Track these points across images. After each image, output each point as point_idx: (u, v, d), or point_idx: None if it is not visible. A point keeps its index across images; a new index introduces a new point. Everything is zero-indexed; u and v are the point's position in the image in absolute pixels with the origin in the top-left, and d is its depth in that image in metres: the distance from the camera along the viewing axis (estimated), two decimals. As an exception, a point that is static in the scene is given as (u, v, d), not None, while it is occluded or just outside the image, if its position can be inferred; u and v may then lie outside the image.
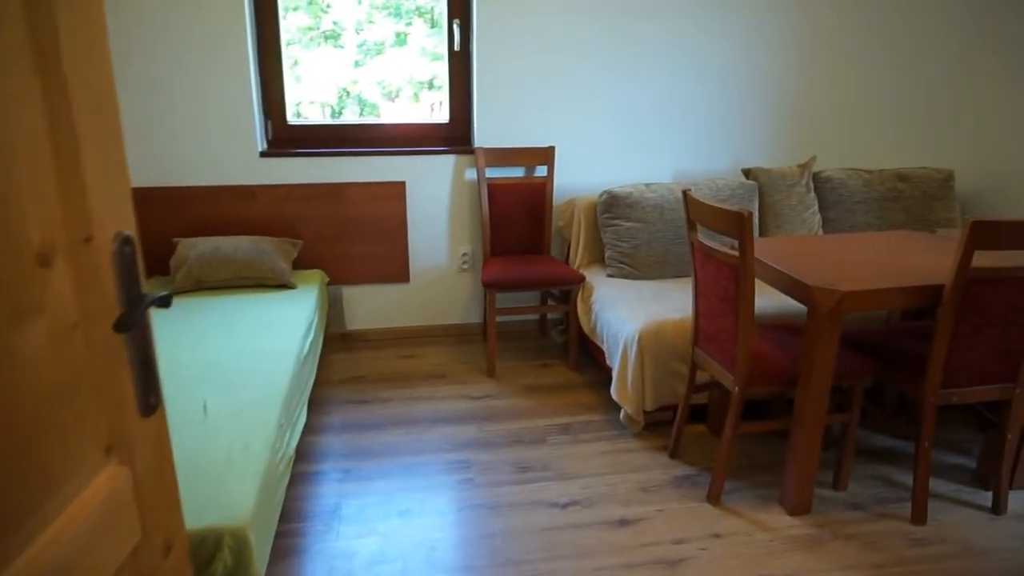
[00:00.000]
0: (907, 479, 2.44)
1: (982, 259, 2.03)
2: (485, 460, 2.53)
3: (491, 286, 3.05)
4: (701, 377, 2.61)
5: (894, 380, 2.23)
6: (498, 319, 3.42)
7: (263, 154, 3.23)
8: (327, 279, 3.37)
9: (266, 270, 3.01)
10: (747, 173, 3.35)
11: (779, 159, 3.63)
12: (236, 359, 2.30)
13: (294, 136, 3.37)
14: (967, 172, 3.72)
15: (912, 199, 3.38)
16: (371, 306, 3.54)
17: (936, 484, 2.41)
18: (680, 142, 3.53)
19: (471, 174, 3.43)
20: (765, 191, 3.30)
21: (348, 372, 3.23)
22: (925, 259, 2.30)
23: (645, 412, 2.68)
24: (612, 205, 3.13)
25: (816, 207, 3.36)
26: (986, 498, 2.35)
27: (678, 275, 3.16)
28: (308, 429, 2.72)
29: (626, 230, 3.12)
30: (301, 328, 2.62)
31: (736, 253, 2.06)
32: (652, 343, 2.61)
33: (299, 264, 3.38)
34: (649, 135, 3.49)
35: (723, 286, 2.16)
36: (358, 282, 3.47)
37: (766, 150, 3.61)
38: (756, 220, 3.26)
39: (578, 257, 3.35)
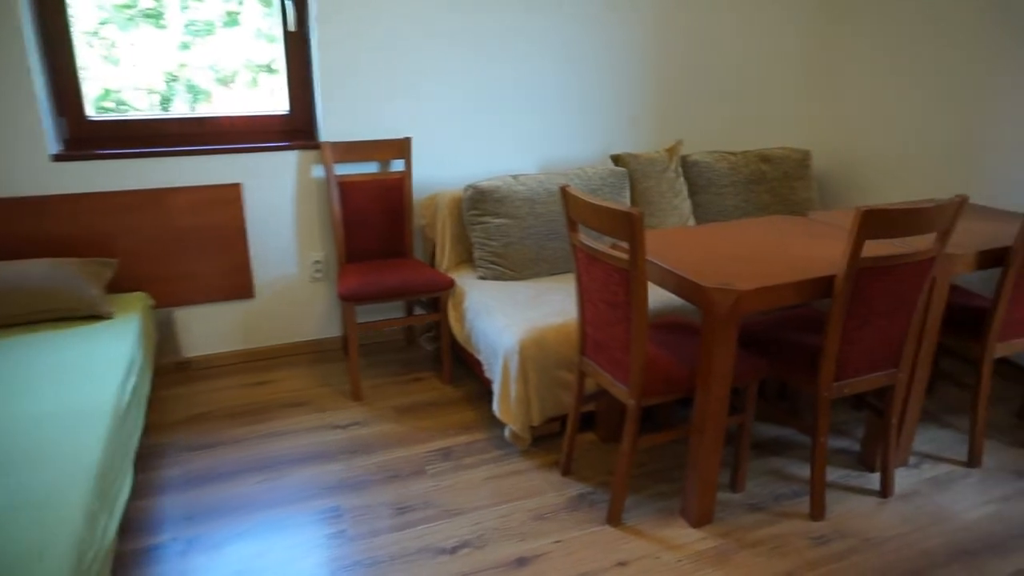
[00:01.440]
0: (799, 471, 2.40)
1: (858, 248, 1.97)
2: (358, 505, 2.20)
3: (350, 299, 2.69)
4: (589, 386, 2.43)
5: (787, 377, 2.15)
6: (360, 333, 3.06)
7: (56, 157, 2.66)
8: (152, 302, 2.86)
9: (70, 299, 2.47)
10: (616, 160, 3.21)
11: (644, 143, 3.53)
12: (26, 427, 1.81)
13: (99, 134, 2.81)
14: (823, 151, 3.80)
15: (775, 180, 3.38)
16: (211, 328, 3.06)
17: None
18: (545, 130, 3.32)
19: (318, 171, 3.04)
20: (636, 178, 3.17)
21: (188, 410, 2.76)
22: (809, 247, 2.23)
23: (531, 427, 2.46)
24: (479, 201, 2.87)
25: (686, 192, 3.28)
26: (872, 481, 2.35)
27: (554, 273, 2.96)
28: (137, 492, 2.27)
29: (496, 227, 2.87)
30: (120, 369, 2.14)
31: (624, 255, 1.87)
32: (535, 354, 2.39)
33: (116, 287, 2.84)
34: (512, 123, 3.26)
35: (612, 291, 1.97)
36: (192, 302, 2.99)
37: (632, 135, 3.49)
38: (628, 209, 3.13)
39: (445, 259, 3.07)
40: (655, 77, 3.44)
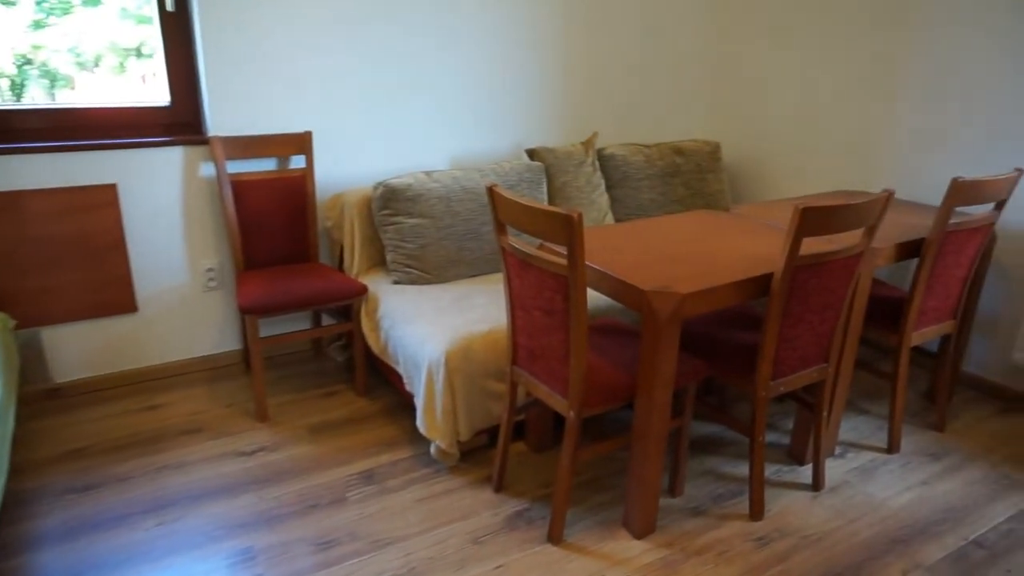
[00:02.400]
0: (734, 469, 2.37)
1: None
2: (273, 543, 1.98)
3: (251, 311, 2.43)
4: (520, 395, 2.30)
5: (725, 377, 2.10)
6: (264, 347, 2.78)
7: None
8: (13, 323, 2.48)
9: (-92, 327, 2.09)
10: (532, 154, 3.08)
11: (557, 136, 3.42)
12: None
13: (-67, 130, 2.39)
14: (730, 143, 3.83)
15: (689, 173, 3.37)
16: (88, 348, 2.70)
17: (758, 468, 2.37)
18: (456, 123, 3.15)
19: (208, 170, 2.73)
20: (552, 173, 3.05)
21: (63, 444, 2.41)
22: (740, 244, 2.19)
23: (459, 442, 2.30)
24: (390, 200, 2.67)
25: (603, 187, 3.21)
26: (802, 474, 2.35)
27: (475, 274, 2.81)
28: (3, 550, 1.94)
29: (410, 228, 2.68)
30: (-26, 412, 1.82)
31: (561, 259, 1.74)
32: (461, 364, 2.23)
33: (-34, 308, 2.45)
34: (422, 116, 3.06)
35: (548, 298, 1.84)
36: (63, 320, 2.62)
37: (546, 127, 3.38)
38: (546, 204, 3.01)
39: (355, 263, 2.84)
40: (566, 69, 3.34)
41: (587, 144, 3.19)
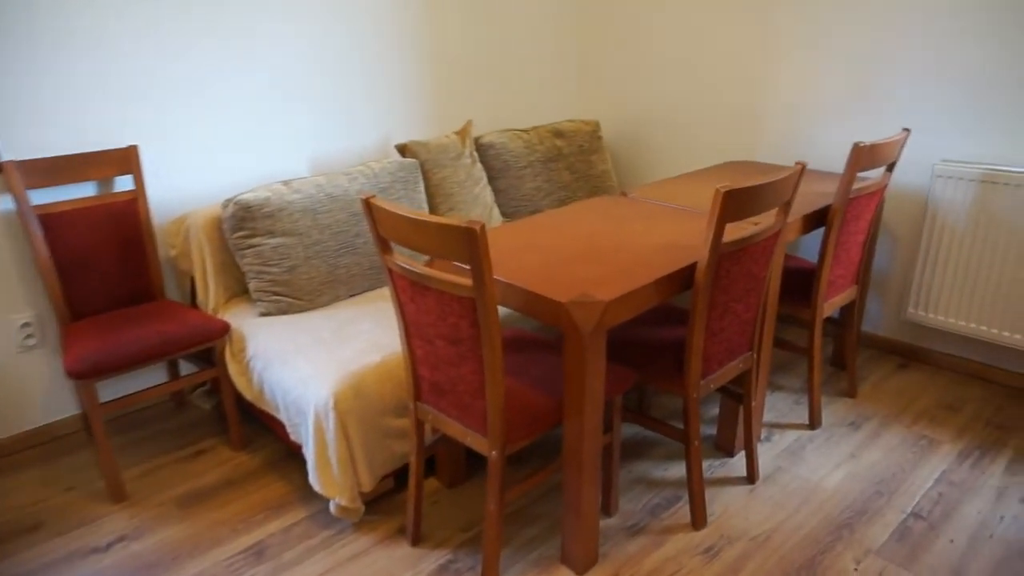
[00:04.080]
0: (665, 472, 2.21)
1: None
2: (145, 667, 1.59)
3: (82, 376, 1.98)
4: (428, 430, 2.01)
5: (654, 382, 1.91)
6: (107, 412, 2.29)
7: None
8: None
9: None
10: (403, 150, 2.76)
11: (428, 128, 3.11)
12: None
13: None
14: (610, 121, 3.67)
15: (572, 156, 3.17)
16: None
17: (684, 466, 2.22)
18: (314, 122, 2.77)
19: (5, 202, 2.21)
20: (429, 169, 2.75)
21: None
22: (649, 233, 2.00)
23: (362, 493, 1.99)
24: (245, 218, 2.27)
25: (485, 179, 2.94)
26: (734, 466, 2.23)
27: (356, 293, 2.47)
28: None
29: (272, 249, 2.29)
30: None
31: (463, 279, 1.46)
32: (354, 405, 1.91)
33: None
34: (273, 118, 2.66)
35: (452, 325, 1.56)
36: None
37: (414, 119, 3.06)
38: (426, 205, 2.72)
39: (210, 296, 2.42)
40: (429, 54, 3.03)
41: (462, 134, 2.91)
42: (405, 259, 1.60)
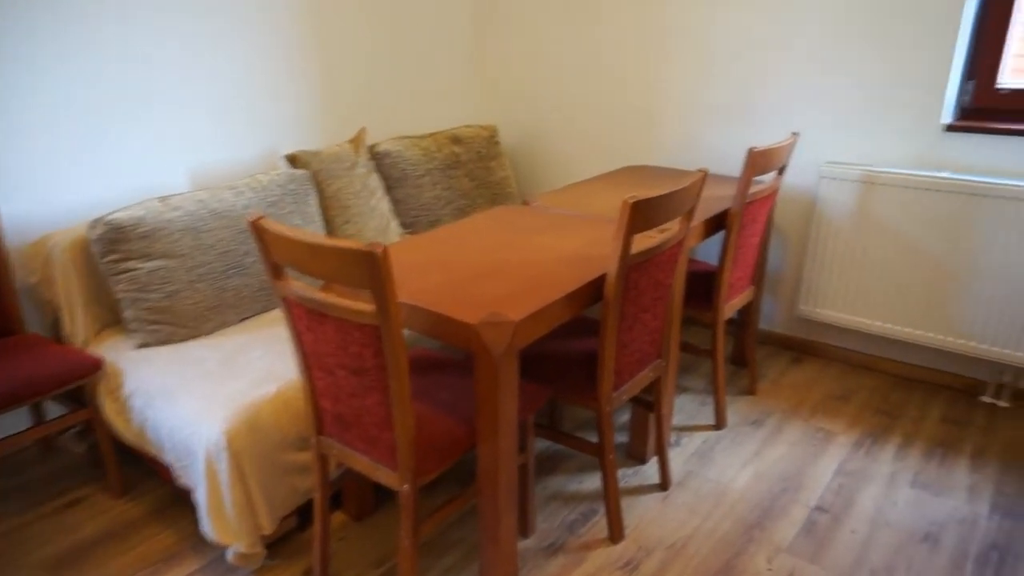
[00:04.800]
0: (580, 486, 2.18)
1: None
2: None
3: (-74, 429, 1.72)
4: (332, 463, 1.88)
5: (567, 398, 1.87)
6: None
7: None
8: None
9: None
10: (293, 160, 2.60)
11: (318, 136, 2.95)
12: None
13: None
14: (507, 126, 3.62)
15: (471, 162, 3.10)
16: None
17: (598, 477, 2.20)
18: (191, 130, 2.55)
19: None
20: (322, 180, 2.61)
21: None
22: (557, 246, 1.96)
23: (263, 536, 1.84)
24: (117, 240, 2.06)
25: (382, 189, 2.82)
26: (647, 474, 2.23)
27: (246, 317, 2.29)
28: None
29: (149, 274, 2.09)
30: None
31: (365, 305, 1.36)
32: (249, 443, 1.76)
33: None
34: (146, 125, 2.43)
35: (354, 354, 1.45)
36: None
37: (304, 127, 2.89)
38: (320, 218, 2.57)
39: (79, 328, 2.18)
40: (318, 57, 2.87)
41: (356, 142, 2.77)
42: (301, 285, 1.48)
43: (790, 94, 2.71)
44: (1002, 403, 2.57)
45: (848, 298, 2.70)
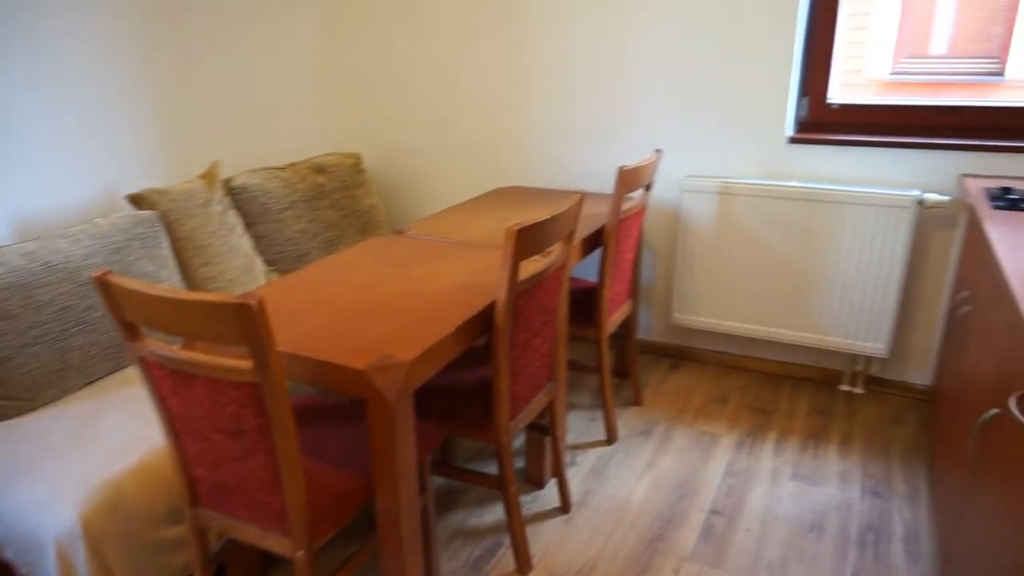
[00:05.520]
0: (480, 520, 2.11)
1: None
2: None
3: None
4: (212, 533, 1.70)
5: (463, 434, 1.80)
6: None
7: None
8: None
9: None
10: (137, 201, 2.36)
11: (163, 172, 2.71)
12: None
13: None
14: (372, 151, 3.50)
15: (336, 192, 2.97)
16: None
17: (502, 508, 2.15)
18: (7, 174, 2.25)
19: None
20: (173, 220, 2.39)
21: None
22: (436, 277, 1.89)
23: (135, 627, 1.62)
24: (-76, 306, 1.76)
25: (241, 226, 2.63)
26: (547, 498, 2.20)
27: (93, 379, 2.04)
28: None
29: (-30, 341, 1.81)
30: None
31: (241, 363, 1.23)
32: (111, 527, 1.55)
33: None
34: (-53, 170, 2.11)
35: (231, 416, 1.31)
36: None
37: (145, 162, 2.64)
38: (173, 262, 2.35)
39: None
40: (161, 89, 2.64)
41: (209, 177, 2.57)
42: (160, 344, 1.32)
43: (650, 112, 2.81)
44: (857, 390, 2.79)
45: (717, 303, 2.83)
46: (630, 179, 2.17)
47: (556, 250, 1.88)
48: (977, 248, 2.00)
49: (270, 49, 3.07)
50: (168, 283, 2.28)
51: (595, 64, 2.84)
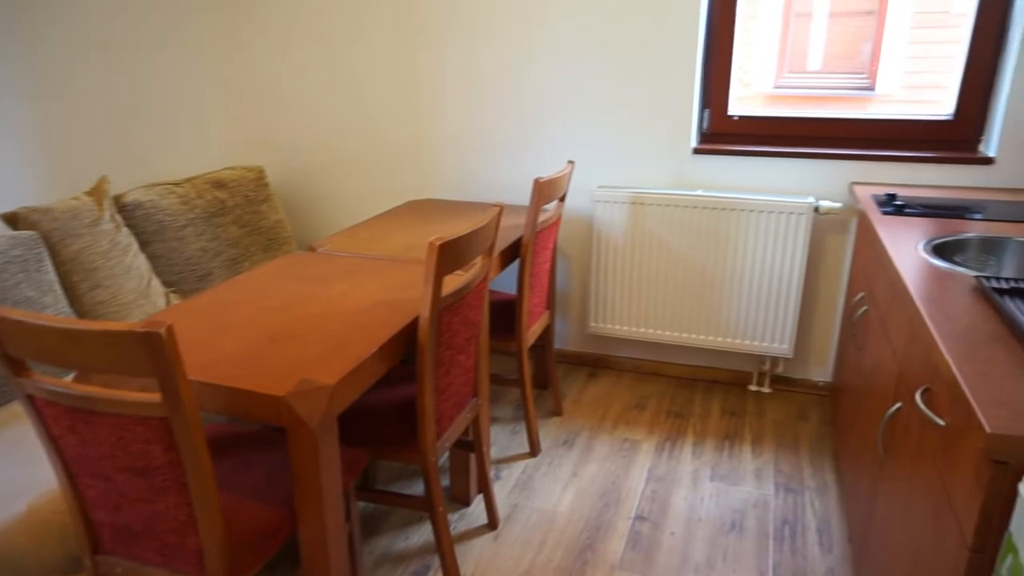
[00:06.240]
0: (407, 542, 2.04)
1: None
2: None
3: None
4: None
5: (388, 456, 1.74)
6: None
7: None
8: None
9: None
10: (13, 220, 2.16)
11: (43, 190, 2.49)
12: None
13: None
14: (276, 165, 3.35)
15: (238, 208, 2.83)
16: None
17: (428, 529, 2.10)
18: None
19: None
20: (57, 241, 2.20)
21: None
22: (352, 294, 1.82)
23: None
24: None
25: (136, 245, 2.46)
26: (474, 515, 2.17)
27: (-32, 420, 1.84)
28: None
29: None
30: None
31: (149, 397, 1.14)
32: (-3, 582, 1.40)
33: None
34: None
35: (138, 453, 1.20)
36: None
37: (21, 180, 2.42)
38: (59, 286, 2.16)
39: None
40: (35, 96, 2.43)
41: (96, 193, 2.39)
42: (51, 379, 1.20)
43: (561, 125, 2.84)
44: (765, 390, 2.91)
45: (631, 311, 2.88)
46: (546, 190, 2.18)
47: (478, 264, 1.85)
48: (870, 251, 2.13)
49: (158, 52, 2.89)
50: (53, 309, 2.10)
51: (507, 77, 2.85)
